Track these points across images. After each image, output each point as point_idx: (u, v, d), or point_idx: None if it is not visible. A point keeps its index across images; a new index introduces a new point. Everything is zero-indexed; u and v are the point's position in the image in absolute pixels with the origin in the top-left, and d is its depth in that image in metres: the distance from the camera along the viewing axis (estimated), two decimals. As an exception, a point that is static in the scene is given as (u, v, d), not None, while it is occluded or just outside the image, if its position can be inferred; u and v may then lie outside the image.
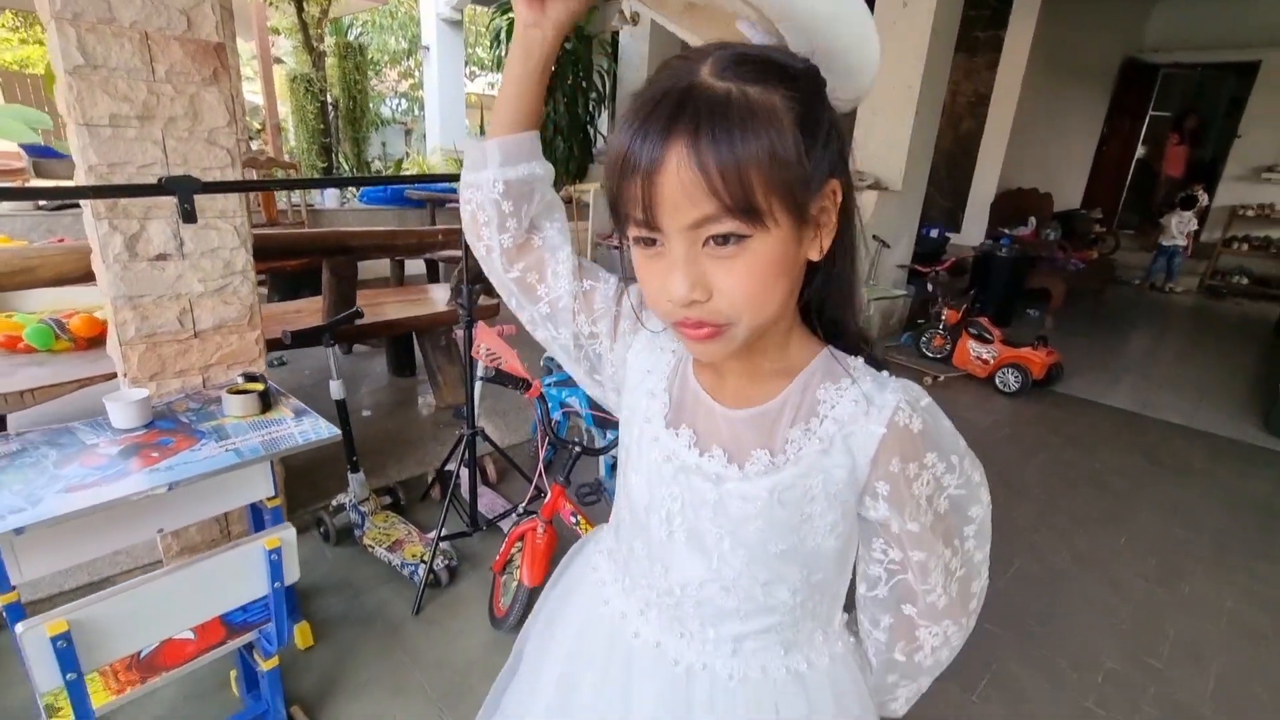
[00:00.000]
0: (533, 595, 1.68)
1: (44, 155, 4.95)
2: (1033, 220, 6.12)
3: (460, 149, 7.22)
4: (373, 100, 7.79)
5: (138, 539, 1.41)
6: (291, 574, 1.20)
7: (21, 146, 4.69)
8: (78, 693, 0.98)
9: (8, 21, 14.13)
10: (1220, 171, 7.97)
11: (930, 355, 4.30)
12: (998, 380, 3.89)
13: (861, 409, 0.55)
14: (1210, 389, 4.15)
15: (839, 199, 0.52)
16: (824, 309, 0.59)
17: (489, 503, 2.26)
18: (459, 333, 1.95)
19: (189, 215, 1.40)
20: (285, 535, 1.16)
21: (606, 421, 2.10)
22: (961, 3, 4.40)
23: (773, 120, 0.45)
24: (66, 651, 0.94)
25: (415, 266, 4.62)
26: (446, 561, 1.94)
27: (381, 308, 2.79)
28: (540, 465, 2.00)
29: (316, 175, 6.04)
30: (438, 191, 4.94)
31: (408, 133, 14.69)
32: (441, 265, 4.54)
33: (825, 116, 0.50)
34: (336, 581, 1.94)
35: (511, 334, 2.08)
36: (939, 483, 0.56)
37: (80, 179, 1.56)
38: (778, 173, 0.45)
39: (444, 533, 1.93)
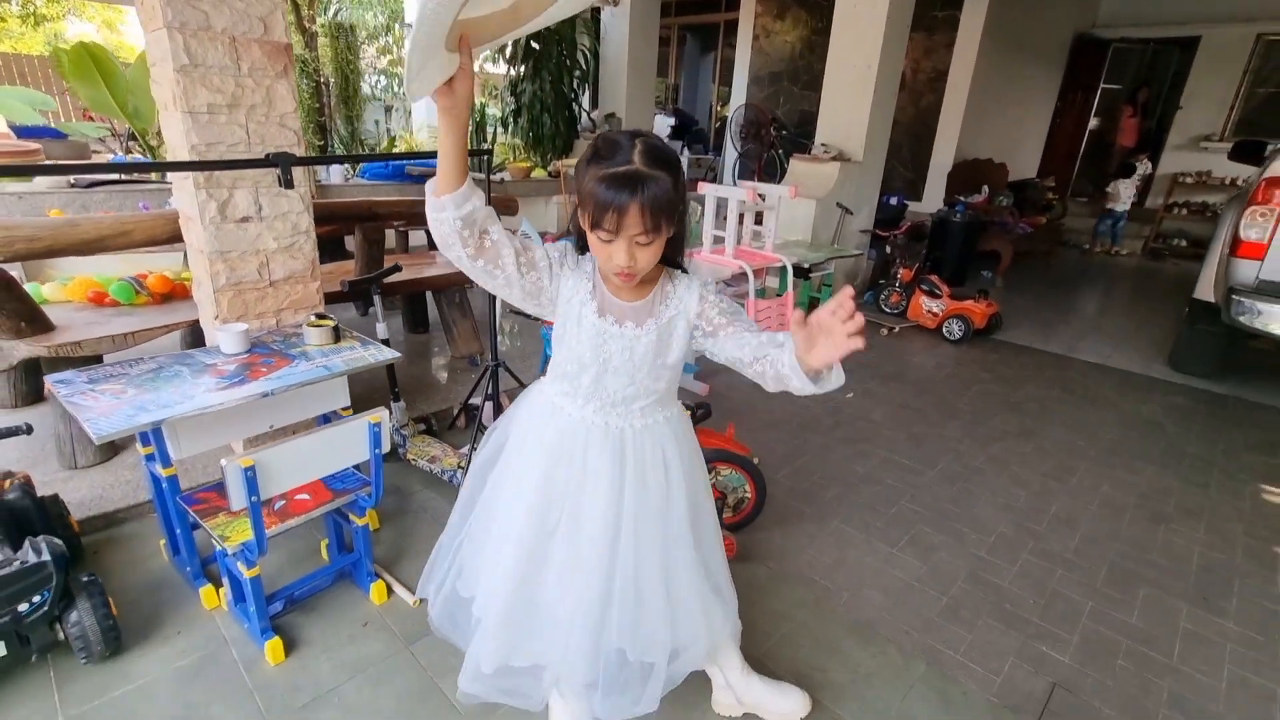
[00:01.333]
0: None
1: (44, 135, 5.21)
2: (985, 188, 6.60)
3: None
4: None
5: (255, 431, 1.84)
6: (385, 445, 1.63)
7: (19, 128, 4.95)
8: (255, 511, 1.42)
9: (14, 9, 13.98)
10: (1164, 141, 8.53)
11: (887, 310, 4.80)
12: (944, 330, 4.40)
13: (685, 289, 1.17)
14: (1130, 335, 4.70)
15: (674, 226, 1.07)
16: (671, 256, 1.15)
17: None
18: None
19: (288, 182, 1.80)
20: (382, 414, 1.60)
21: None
22: (915, -14, 4.80)
23: (670, 190, 1.00)
24: (252, 480, 1.38)
25: (417, 238, 4.98)
26: (478, 467, 2.38)
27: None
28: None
29: (314, 154, 6.31)
30: (435, 168, 5.27)
31: (388, 109, 14.74)
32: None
33: (681, 180, 1.04)
34: (389, 488, 2.37)
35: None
36: (720, 305, 1.17)
37: (182, 157, 1.94)
38: (669, 213, 1.02)
39: (473, 449, 2.37)
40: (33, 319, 2.12)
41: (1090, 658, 1.76)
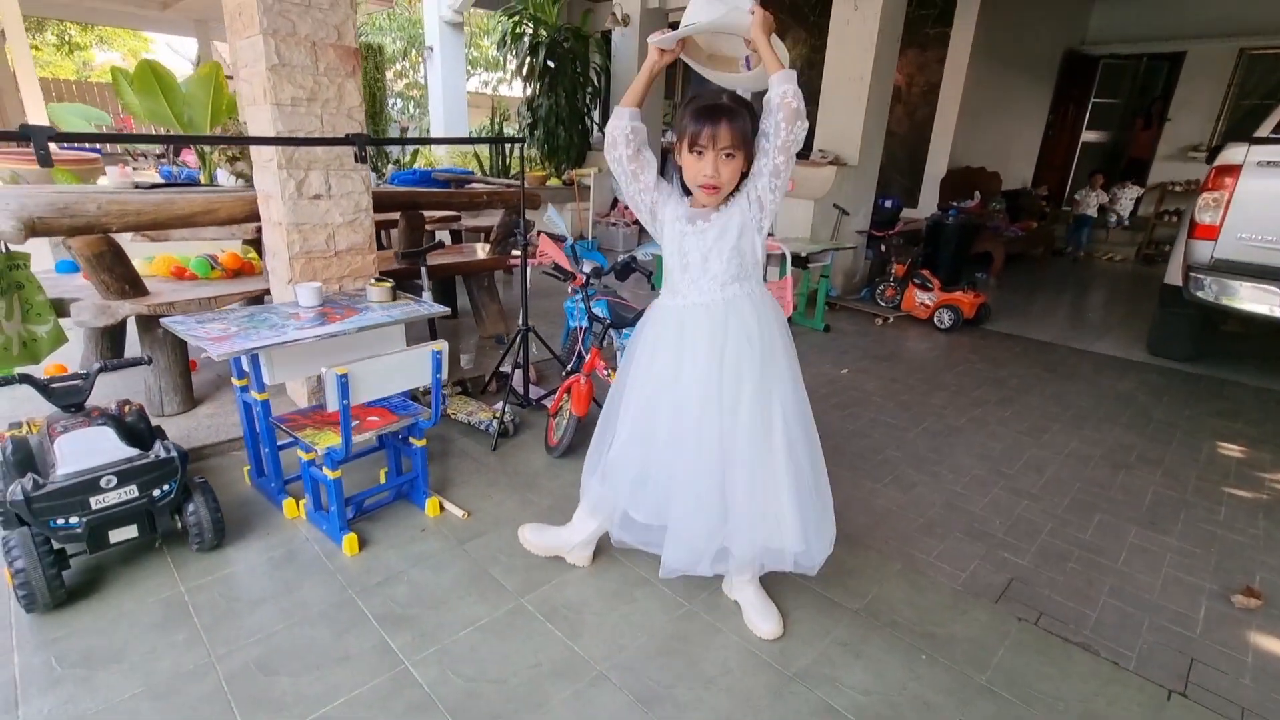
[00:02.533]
0: (580, 424, 2.45)
1: (98, 152, 5.66)
2: (978, 194, 6.94)
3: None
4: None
5: (330, 366, 2.16)
6: (445, 371, 1.95)
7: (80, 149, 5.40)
8: (345, 414, 1.74)
9: (50, 40, 14.87)
10: (1155, 152, 8.87)
11: (882, 303, 5.11)
12: (935, 319, 4.70)
13: (739, 192, 1.48)
14: (1114, 327, 4.99)
15: (748, 154, 1.41)
16: (744, 178, 1.46)
17: (533, 392, 3.02)
18: (515, 262, 2.70)
19: (363, 159, 2.15)
20: (443, 343, 1.92)
21: (622, 322, 2.86)
22: (904, 6, 5.19)
23: (747, 119, 1.41)
24: (345, 387, 1.70)
25: (441, 238, 5.37)
26: (512, 418, 2.70)
27: (435, 258, 3.53)
28: (581, 341, 2.76)
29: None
30: (459, 174, 5.66)
31: (403, 131, 15.33)
32: (464, 233, 5.29)
33: (755, 118, 1.40)
34: (431, 435, 2.69)
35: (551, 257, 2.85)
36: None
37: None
38: (746, 136, 1.41)
39: (506, 403, 2.69)
40: (135, 283, 2.48)
41: (1045, 561, 2.04)
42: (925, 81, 7.29)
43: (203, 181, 4.31)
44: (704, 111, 1.37)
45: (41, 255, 2.59)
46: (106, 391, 2.72)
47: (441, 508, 2.15)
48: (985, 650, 1.65)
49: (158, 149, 6.32)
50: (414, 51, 14.32)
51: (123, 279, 2.43)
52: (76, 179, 4.26)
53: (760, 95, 1.46)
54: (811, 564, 1.63)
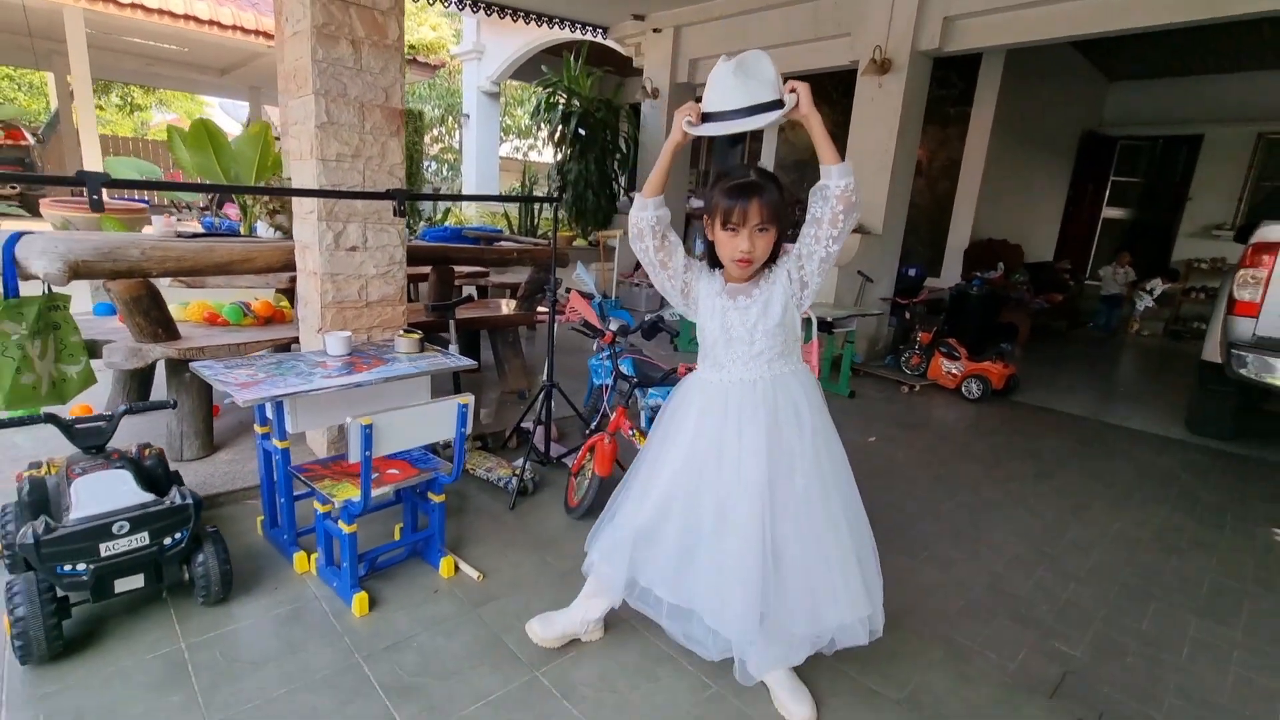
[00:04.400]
0: (603, 485, 2.37)
1: (146, 203, 5.91)
2: (1001, 265, 6.95)
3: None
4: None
5: (354, 416, 2.13)
6: (469, 425, 1.91)
7: (129, 199, 5.65)
8: (366, 466, 1.69)
9: (115, 101, 16.07)
10: (1177, 230, 8.88)
11: (908, 371, 5.03)
12: (963, 389, 4.61)
13: (779, 266, 1.48)
14: (1149, 401, 4.84)
15: (780, 227, 1.41)
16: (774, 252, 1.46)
17: (554, 449, 2.96)
18: (542, 317, 2.71)
19: (402, 212, 2.19)
20: (469, 397, 1.89)
21: (648, 381, 2.83)
22: (927, 85, 5.36)
23: (778, 194, 1.40)
24: (368, 437, 1.66)
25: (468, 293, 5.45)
26: (532, 476, 2.63)
27: (462, 312, 3.56)
28: (605, 399, 2.71)
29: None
30: (488, 232, 5.79)
31: (435, 190, 15.91)
32: (490, 289, 5.36)
33: (784, 191, 1.40)
34: (449, 490, 2.62)
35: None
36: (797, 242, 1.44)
37: (313, 199, 2.36)
38: (779, 211, 1.40)
39: (527, 460, 2.63)
40: (168, 326, 2.50)
41: (1101, 654, 1.88)
42: (946, 157, 7.44)
43: (242, 232, 4.44)
44: (736, 190, 1.38)
45: (81, 297, 2.64)
46: (129, 433, 2.70)
47: (456, 568, 2.06)
48: (1043, 753, 1.50)
49: (202, 201, 6.62)
50: (450, 119, 15.04)
51: (157, 322, 2.46)
52: (124, 227, 4.42)
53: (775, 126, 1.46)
54: (876, 628, 1.56)
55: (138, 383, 2.95)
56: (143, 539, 1.63)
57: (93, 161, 7.91)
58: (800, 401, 1.48)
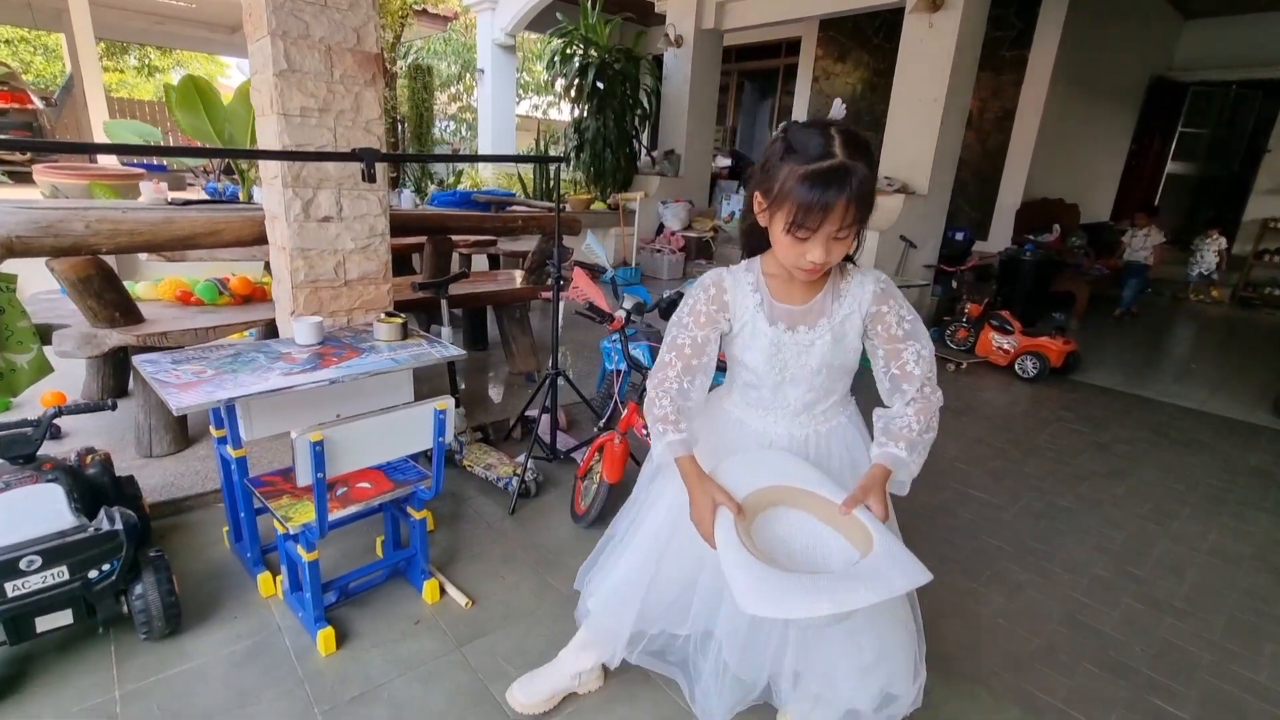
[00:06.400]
0: (611, 491, 2.07)
1: (149, 168, 5.66)
2: (1057, 227, 6.37)
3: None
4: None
5: (322, 417, 1.84)
6: (449, 434, 1.61)
7: (130, 164, 5.40)
8: (320, 488, 1.40)
9: (133, 63, 15.99)
10: (1251, 186, 8.09)
11: (954, 346, 4.60)
12: (1017, 367, 4.18)
13: (859, 284, 1.10)
14: (1226, 382, 4.35)
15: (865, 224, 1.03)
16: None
17: (562, 441, 2.66)
18: (548, 294, 2.37)
19: (371, 176, 1.85)
20: (448, 401, 1.58)
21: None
22: (984, 24, 4.77)
23: (872, 181, 0.95)
24: (319, 455, 1.37)
25: (479, 263, 5.13)
26: (534, 476, 2.34)
27: (461, 287, 3.24)
28: (618, 386, 2.39)
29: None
30: (500, 196, 5.44)
31: (453, 152, 15.49)
32: (502, 258, 5.03)
33: (875, 165, 0.98)
34: (444, 492, 2.34)
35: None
36: (901, 314, 1.08)
37: (275, 159, 2.03)
38: (870, 205, 0.98)
39: (529, 457, 2.34)
40: (126, 310, 2.23)
41: (1212, 715, 1.54)
42: (999, 107, 6.79)
43: (242, 199, 4.16)
44: (822, 180, 0.93)
45: (44, 276, 2.39)
46: (97, 426, 2.48)
47: (442, 591, 1.79)
48: None
49: (203, 165, 6.35)
50: (467, 75, 14.50)
51: (113, 305, 2.19)
52: (115, 194, 4.16)
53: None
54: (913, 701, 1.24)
55: (112, 369, 2.72)
56: (60, 574, 1.37)
57: (100, 125, 7.70)
58: (859, 454, 1.19)
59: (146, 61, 18.47)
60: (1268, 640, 1.82)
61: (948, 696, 1.54)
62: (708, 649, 1.26)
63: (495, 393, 3.25)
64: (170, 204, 4.15)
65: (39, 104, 8.55)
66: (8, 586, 1.32)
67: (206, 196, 4.09)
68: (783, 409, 1.17)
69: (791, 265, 1.04)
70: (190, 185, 6.29)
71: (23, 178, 6.32)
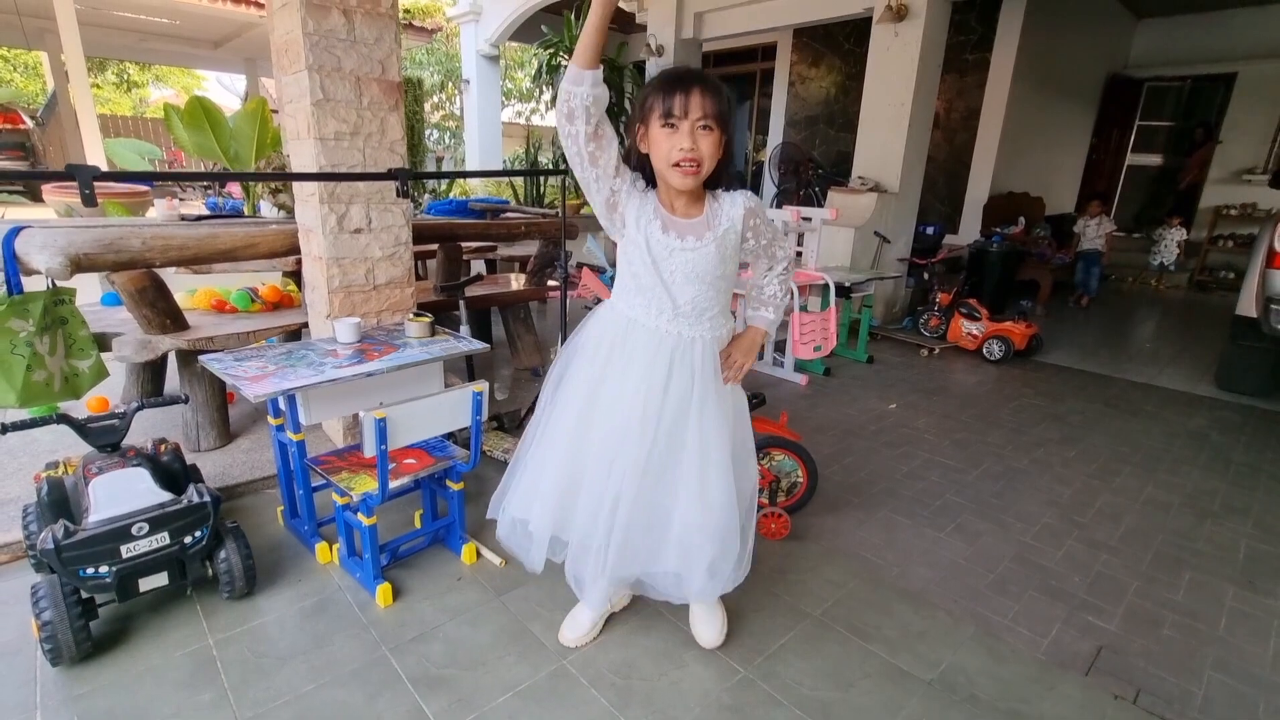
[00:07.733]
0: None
1: (150, 184, 5.82)
2: (1022, 219, 6.74)
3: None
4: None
5: (366, 405, 2.10)
6: (485, 412, 1.87)
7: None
8: (383, 459, 1.66)
9: (111, 78, 15.90)
10: (1206, 175, 8.54)
11: (926, 334, 4.93)
12: (984, 350, 4.51)
13: (730, 202, 1.37)
14: (1176, 358, 4.72)
15: (726, 134, 1.28)
16: (717, 178, 1.35)
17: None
18: (553, 293, 2.64)
19: (406, 193, 2.11)
20: (484, 385, 1.84)
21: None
22: (946, 31, 5.10)
23: (721, 91, 1.25)
24: (383, 430, 1.62)
25: (476, 268, 5.37)
26: (549, 456, 2.60)
27: (471, 290, 3.50)
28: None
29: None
30: (494, 203, 5.67)
31: (439, 161, 15.64)
32: (499, 263, 5.28)
33: (730, 95, 1.27)
34: (467, 476, 2.61)
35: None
36: (769, 221, 1.39)
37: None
38: (723, 109, 1.24)
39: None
40: (175, 318, 2.46)
41: (1135, 627, 1.85)
42: (965, 107, 7.16)
43: (246, 213, 4.38)
44: (675, 80, 1.21)
45: (89, 288, 2.61)
46: (145, 426, 2.70)
47: (478, 554, 2.05)
48: (1081, 734, 1.47)
49: (205, 181, 6.53)
50: (450, 84, 14.69)
51: (164, 313, 2.42)
52: (127, 211, 4.36)
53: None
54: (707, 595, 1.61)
55: (151, 374, 2.94)
56: (163, 539, 1.62)
57: (92, 144, 7.82)
58: (709, 366, 1.44)
59: (125, 76, 18.43)
60: (1187, 569, 2.13)
61: (915, 619, 1.83)
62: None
63: (505, 386, 3.51)
64: (184, 219, 4.37)
65: (29, 123, 8.66)
66: (123, 549, 1.56)
67: (208, 211, 4.30)
68: (673, 310, 1.36)
69: (669, 162, 1.24)
70: (184, 200, 6.47)
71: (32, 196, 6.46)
